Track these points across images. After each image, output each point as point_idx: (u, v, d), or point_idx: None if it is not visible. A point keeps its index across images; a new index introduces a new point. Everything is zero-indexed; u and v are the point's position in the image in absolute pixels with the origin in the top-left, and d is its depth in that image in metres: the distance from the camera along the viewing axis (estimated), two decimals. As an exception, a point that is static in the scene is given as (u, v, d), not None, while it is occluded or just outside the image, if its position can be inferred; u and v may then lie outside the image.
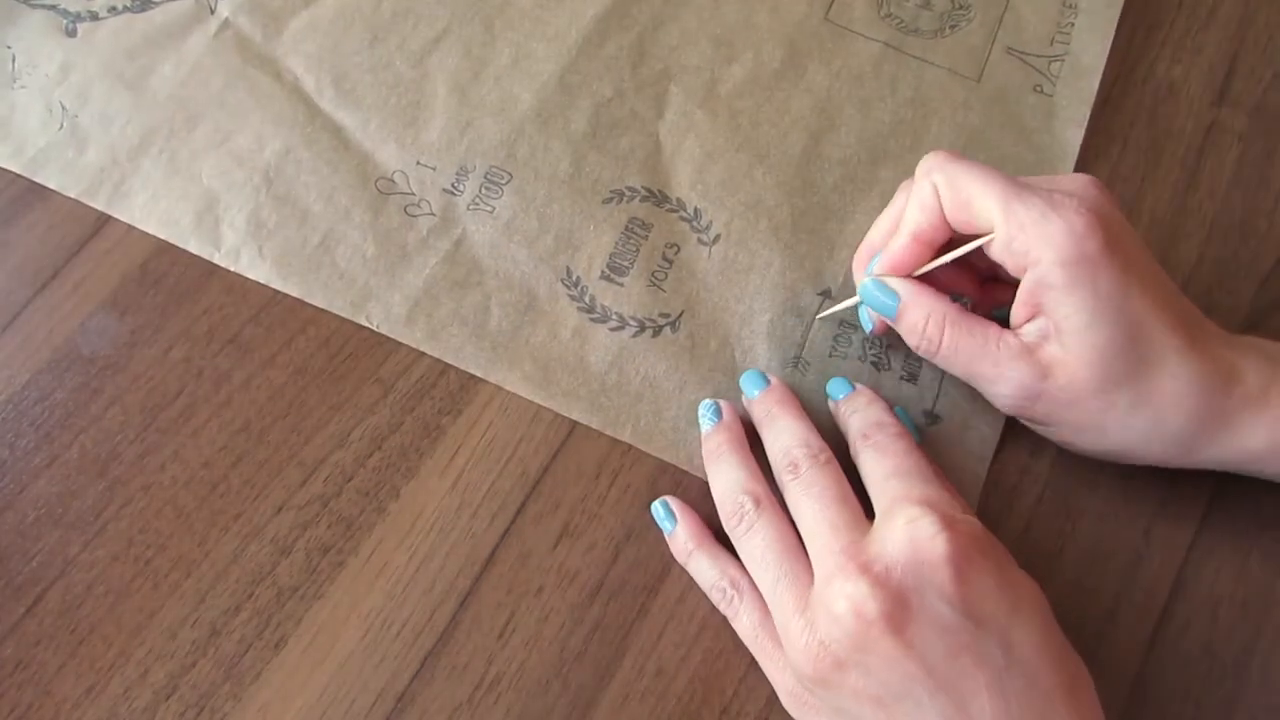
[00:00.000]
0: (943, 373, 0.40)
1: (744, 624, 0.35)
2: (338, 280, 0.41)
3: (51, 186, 0.43)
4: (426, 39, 0.47)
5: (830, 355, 0.41)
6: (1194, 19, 0.50)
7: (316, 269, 0.42)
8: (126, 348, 0.40)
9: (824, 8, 0.49)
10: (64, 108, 0.44)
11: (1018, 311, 0.35)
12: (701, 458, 0.38)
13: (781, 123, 0.46)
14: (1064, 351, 0.34)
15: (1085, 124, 0.46)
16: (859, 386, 0.39)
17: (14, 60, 0.45)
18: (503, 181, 0.44)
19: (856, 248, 0.43)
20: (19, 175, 0.43)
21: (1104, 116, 0.47)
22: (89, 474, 0.38)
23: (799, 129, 0.46)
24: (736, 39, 0.48)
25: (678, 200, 0.44)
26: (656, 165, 0.45)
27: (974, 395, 0.40)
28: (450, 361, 0.40)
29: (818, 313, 0.41)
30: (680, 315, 0.41)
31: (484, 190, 0.43)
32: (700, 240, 0.43)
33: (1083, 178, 0.35)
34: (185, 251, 0.42)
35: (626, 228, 0.43)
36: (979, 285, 0.39)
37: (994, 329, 0.35)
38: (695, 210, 0.43)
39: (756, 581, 0.34)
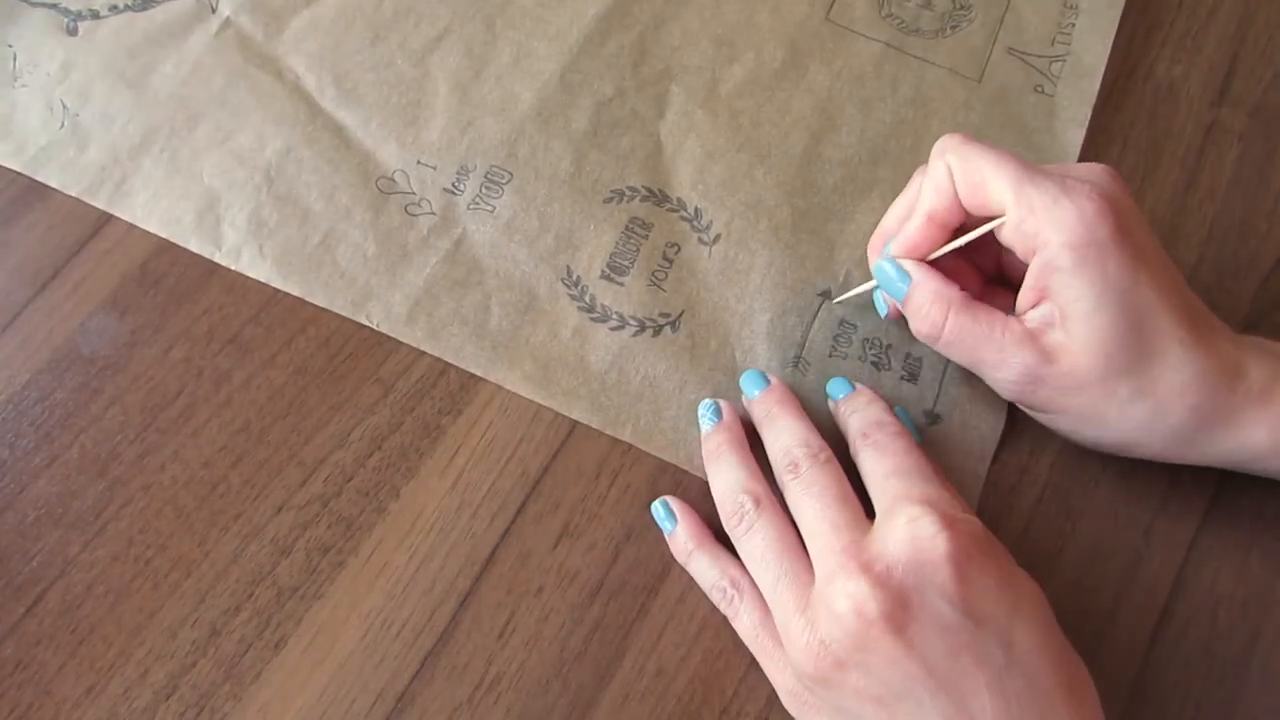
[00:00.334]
0: (943, 373, 0.40)
1: (744, 624, 0.35)
2: (338, 279, 0.41)
3: (52, 185, 0.43)
4: (428, 38, 0.47)
5: (830, 355, 0.41)
6: (1194, 19, 0.50)
7: (317, 268, 0.42)
8: (126, 348, 0.40)
9: (825, 8, 0.49)
10: (65, 106, 0.44)
11: (1024, 296, 0.35)
12: (701, 457, 0.38)
13: (782, 123, 0.46)
14: (1068, 337, 0.34)
15: (1086, 124, 0.46)
16: (859, 386, 0.39)
17: (15, 59, 0.45)
18: (503, 181, 0.44)
19: (857, 248, 0.43)
20: (19, 174, 0.43)
21: (1104, 116, 0.47)
22: (89, 474, 0.38)
23: (800, 129, 0.46)
24: (738, 39, 0.48)
25: (678, 200, 0.44)
26: (657, 165, 0.45)
27: (974, 395, 0.40)
28: (450, 361, 0.40)
29: (835, 298, 0.41)
30: (680, 315, 0.41)
31: (484, 189, 0.43)
32: (700, 240, 0.43)
33: (1098, 166, 0.35)
34: (185, 251, 0.42)
35: (627, 227, 0.43)
36: (983, 284, 0.39)
37: (999, 315, 0.35)
38: (696, 210, 0.43)
39: (757, 581, 0.34)
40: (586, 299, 0.41)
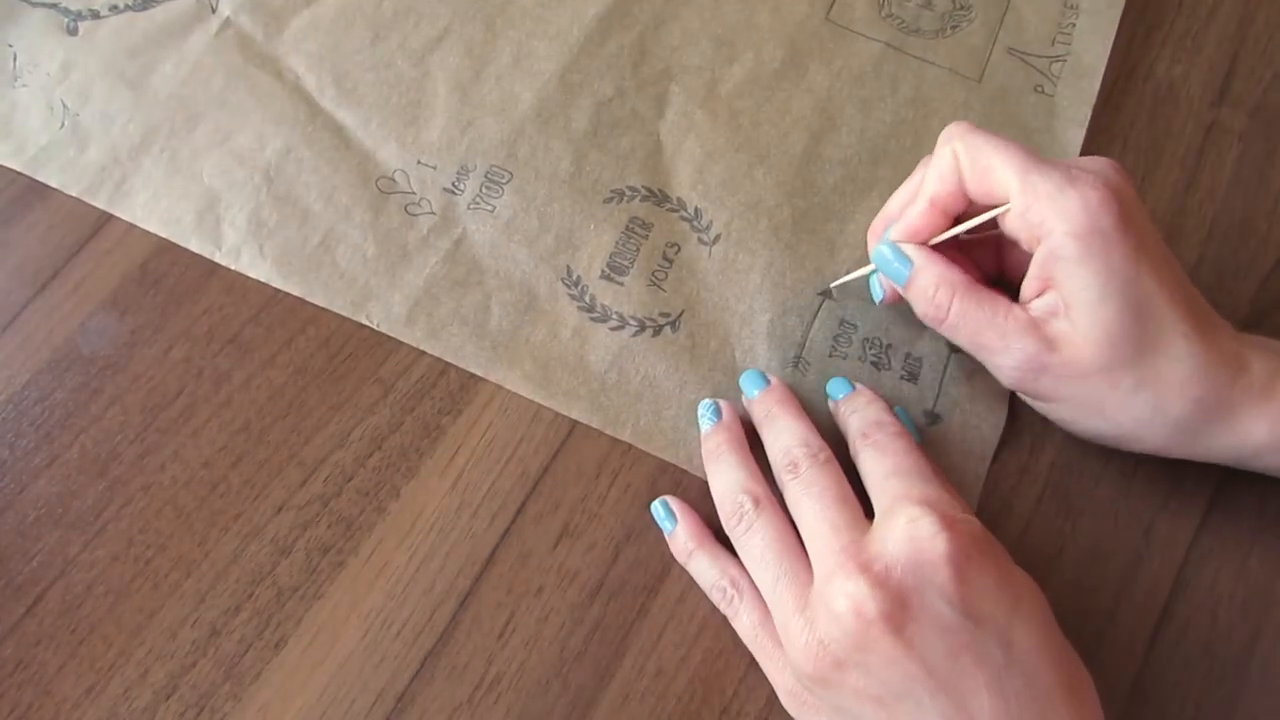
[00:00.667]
0: (943, 373, 0.40)
1: (744, 623, 0.35)
2: (338, 279, 0.41)
3: (52, 185, 0.43)
4: (428, 38, 0.47)
5: (830, 355, 0.41)
6: (1194, 19, 0.50)
7: (317, 268, 0.42)
8: (126, 348, 0.40)
9: (825, 8, 0.49)
10: (65, 106, 0.44)
11: (1028, 285, 0.35)
12: (701, 457, 0.38)
13: (782, 123, 0.46)
14: (1071, 326, 0.34)
15: (1086, 124, 0.46)
16: (858, 386, 0.39)
17: (15, 59, 0.45)
18: (503, 181, 0.44)
19: (857, 248, 0.43)
20: (20, 174, 0.43)
21: (1104, 116, 0.47)
22: (89, 474, 0.38)
23: (800, 129, 0.46)
24: (737, 39, 0.48)
25: (678, 200, 0.44)
26: (657, 165, 0.45)
27: (974, 395, 0.40)
28: (450, 361, 0.40)
29: (831, 286, 0.41)
30: (680, 315, 0.41)
31: (484, 189, 0.43)
32: (700, 240, 0.43)
33: (1103, 160, 0.35)
34: (185, 251, 0.42)
35: (627, 227, 0.43)
36: (985, 282, 0.39)
37: (1003, 301, 0.35)
38: (695, 210, 0.43)
39: (756, 581, 0.34)
40: (586, 299, 0.41)
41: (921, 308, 0.36)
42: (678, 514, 0.37)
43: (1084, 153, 0.46)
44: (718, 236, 0.43)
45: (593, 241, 0.43)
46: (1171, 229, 0.44)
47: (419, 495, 0.38)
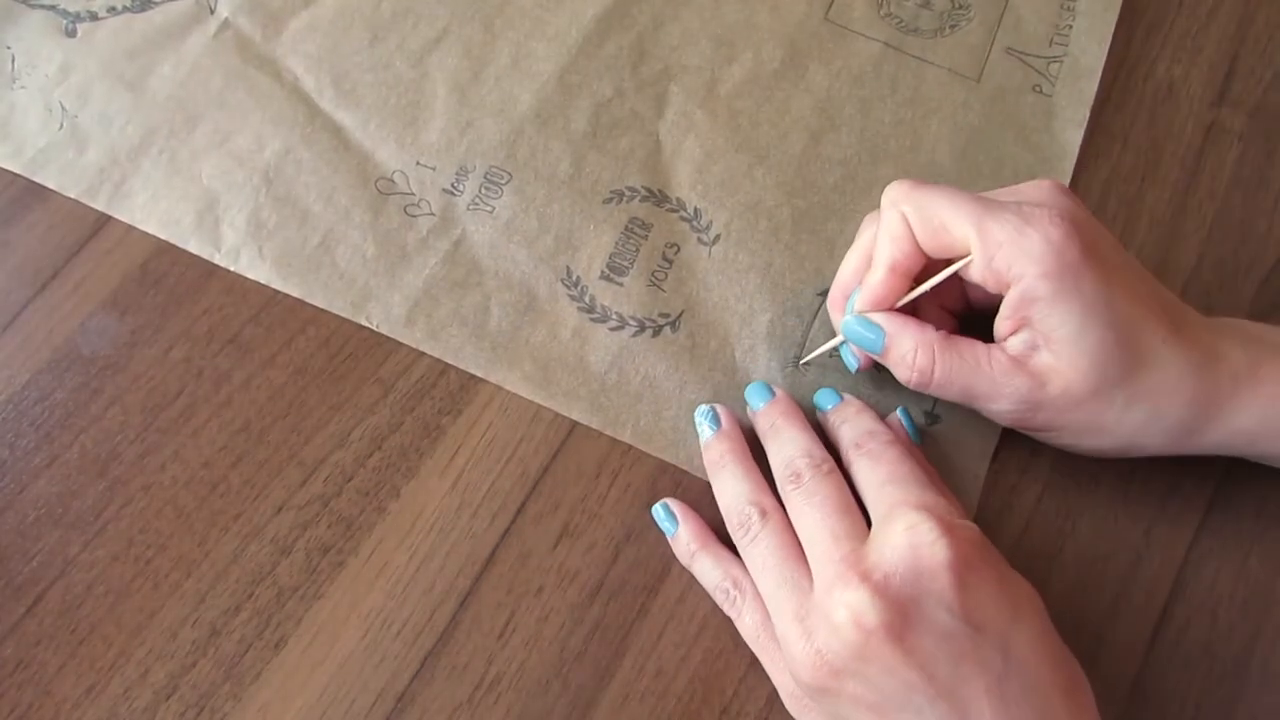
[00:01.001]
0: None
1: (747, 624, 0.35)
2: (338, 280, 0.41)
3: (51, 187, 0.43)
4: (426, 39, 0.47)
5: (831, 355, 0.41)
6: (1194, 19, 0.50)
7: (316, 269, 0.42)
8: (126, 348, 0.40)
9: (824, 7, 0.49)
10: (64, 108, 0.44)
11: (1002, 325, 0.35)
12: (701, 458, 0.38)
13: (781, 123, 0.46)
14: (1056, 360, 0.34)
15: (1085, 124, 0.46)
16: (847, 397, 0.39)
17: (14, 60, 0.45)
18: (502, 181, 0.44)
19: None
20: (19, 175, 0.43)
21: (1104, 116, 0.47)
22: (89, 474, 0.38)
23: (799, 129, 0.46)
24: (737, 39, 0.48)
25: (678, 200, 0.44)
26: (656, 165, 0.45)
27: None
28: (450, 361, 0.40)
29: (799, 359, 0.41)
30: (680, 315, 0.41)
31: (484, 190, 0.43)
32: (700, 240, 0.43)
33: (1045, 184, 0.35)
34: (185, 251, 0.42)
35: (626, 228, 0.43)
36: (955, 323, 0.39)
37: (981, 347, 0.35)
38: (695, 210, 0.43)
39: (759, 587, 0.34)
40: (586, 299, 0.41)
41: (904, 374, 0.36)
42: (679, 516, 0.37)
43: (1084, 152, 0.46)
44: (717, 237, 0.43)
45: (592, 242, 0.43)
46: (1171, 229, 0.44)
47: (419, 495, 0.38)
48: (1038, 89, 0.47)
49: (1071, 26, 0.49)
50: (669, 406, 0.40)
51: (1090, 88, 0.47)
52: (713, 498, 0.37)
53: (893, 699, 0.30)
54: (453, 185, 0.44)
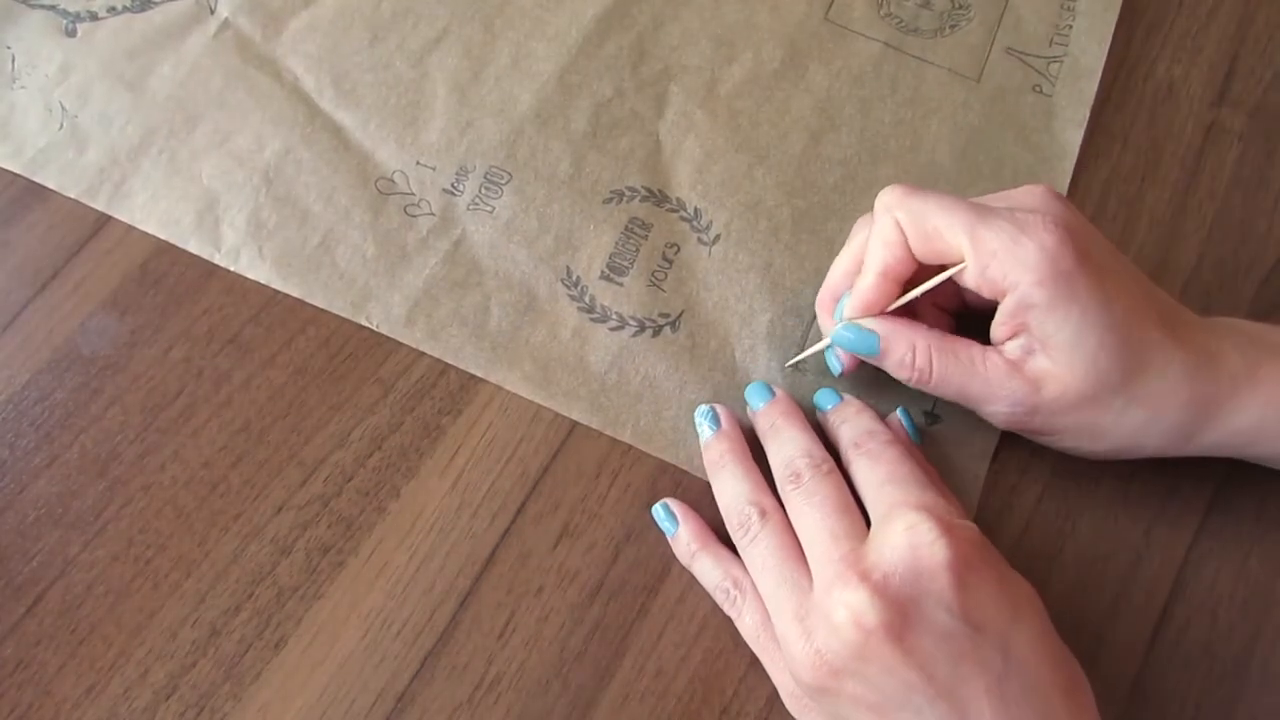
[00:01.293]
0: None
1: (747, 624, 0.35)
2: (338, 280, 0.41)
3: (51, 187, 0.43)
4: (426, 39, 0.47)
5: (788, 365, 0.41)
6: (1194, 19, 0.50)
7: (316, 269, 0.42)
8: (126, 348, 0.40)
9: (824, 7, 0.49)
10: (64, 108, 0.44)
11: (998, 331, 0.35)
12: (701, 458, 0.38)
13: (781, 123, 0.46)
14: (1053, 364, 0.34)
15: (1084, 125, 0.46)
16: (846, 397, 0.39)
17: (14, 60, 0.45)
18: (502, 181, 0.44)
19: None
20: (19, 175, 0.43)
21: (1104, 116, 0.47)
22: (89, 474, 0.38)
23: (799, 129, 0.46)
24: (737, 39, 0.48)
25: (678, 200, 0.44)
26: (656, 165, 0.45)
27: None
28: (450, 361, 0.40)
29: (787, 361, 0.41)
30: (680, 315, 0.41)
31: (484, 190, 0.43)
32: (700, 240, 0.43)
33: (1038, 189, 0.35)
34: (185, 251, 0.42)
35: (626, 228, 0.43)
36: (951, 323, 0.39)
37: (977, 348, 0.35)
38: (695, 210, 0.43)
39: (759, 587, 0.34)
40: (586, 299, 0.41)
41: (904, 375, 0.36)
42: (679, 516, 0.37)
43: (1084, 152, 0.46)
44: (717, 236, 0.43)
45: (592, 242, 0.43)
46: (1171, 229, 0.44)
47: (419, 495, 0.38)
48: (1038, 89, 0.47)
49: (1071, 26, 0.49)
50: (669, 406, 0.40)
51: (1090, 88, 0.47)
52: (713, 498, 0.37)
53: (892, 699, 0.30)
54: (453, 185, 0.44)
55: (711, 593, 0.36)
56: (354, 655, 0.35)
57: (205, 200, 0.43)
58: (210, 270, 0.42)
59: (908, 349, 0.35)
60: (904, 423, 0.39)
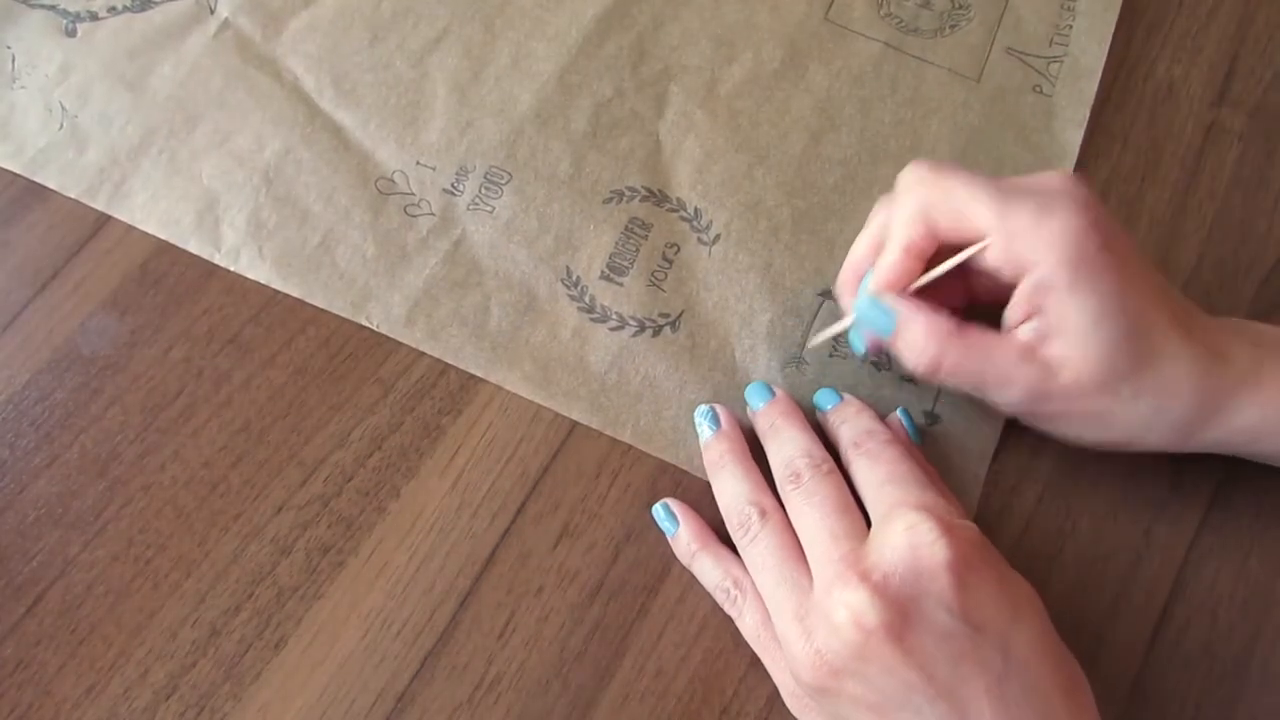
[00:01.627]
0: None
1: (747, 623, 0.35)
2: (338, 280, 0.41)
3: (51, 187, 0.43)
4: (426, 39, 0.47)
5: (830, 355, 0.41)
6: (1194, 19, 0.50)
7: (316, 269, 0.42)
8: (126, 348, 0.40)
9: (824, 7, 0.49)
10: (64, 108, 0.44)
11: (1012, 312, 0.35)
12: (701, 457, 0.38)
13: (781, 123, 0.46)
14: (1068, 349, 0.34)
15: (1084, 125, 0.46)
16: (846, 396, 0.39)
17: (14, 60, 0.45)
18: (502, 181, 0.44)
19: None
20: (19, 175, 0.43)
21: (1104, 116, 0.47)
22: (89, 474, 0.38)
23: (799, 129, 0.46)
24: (737, 39, 0.48)
25: (678, 200, 0.44)
26: (656, 165, 0.45)
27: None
28: (450, 361, 0.40)
29: (805, 343, 0.41)
30: (680, 315, 0.41)
31: (484, 190, 0.43)
32: (700, 240, 0.43)
33: (1063, 174, 0.35)
34: (185, 251, 0.42)
35: (626, 227, 0.43)
36: (962, 307, 0.39)
37: (991, 334, 0.35)
38: (695, 210, 0.43)
39: (758, 587, 0.34)
40: (586, 299, 0.41)
41: (913, 360, 0.35)
42: (679, 516, 0.37)
43: (1084, 152, 0.46)
44: (717, 237, 0.43)
45: (592, 242, 0.43)
46: (1171, 229, 0.44)
47: (419, 495, 0.38)
48: (1038, 89, 0.47)
49: (1072, 26, 0.49)
50: (669, 406, 0.40)
51: (1090, 87, 0.47)
52: (713, 498, 0.37)
53: (892, 699, 0.30)
54: (453, 185, 0.44)
55: (712, 592, 0.36)
56: (354, 655, 0.35)
57: (205, 200, 0.43)
58: (210, 270, 0.42)
59: (921, 333, 0.35)
60: (904, 423, 0.39)
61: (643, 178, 0.44)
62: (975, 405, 0.40)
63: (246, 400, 0.39)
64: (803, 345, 0.41)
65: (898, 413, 0.39)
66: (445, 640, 0.36)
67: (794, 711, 0.34)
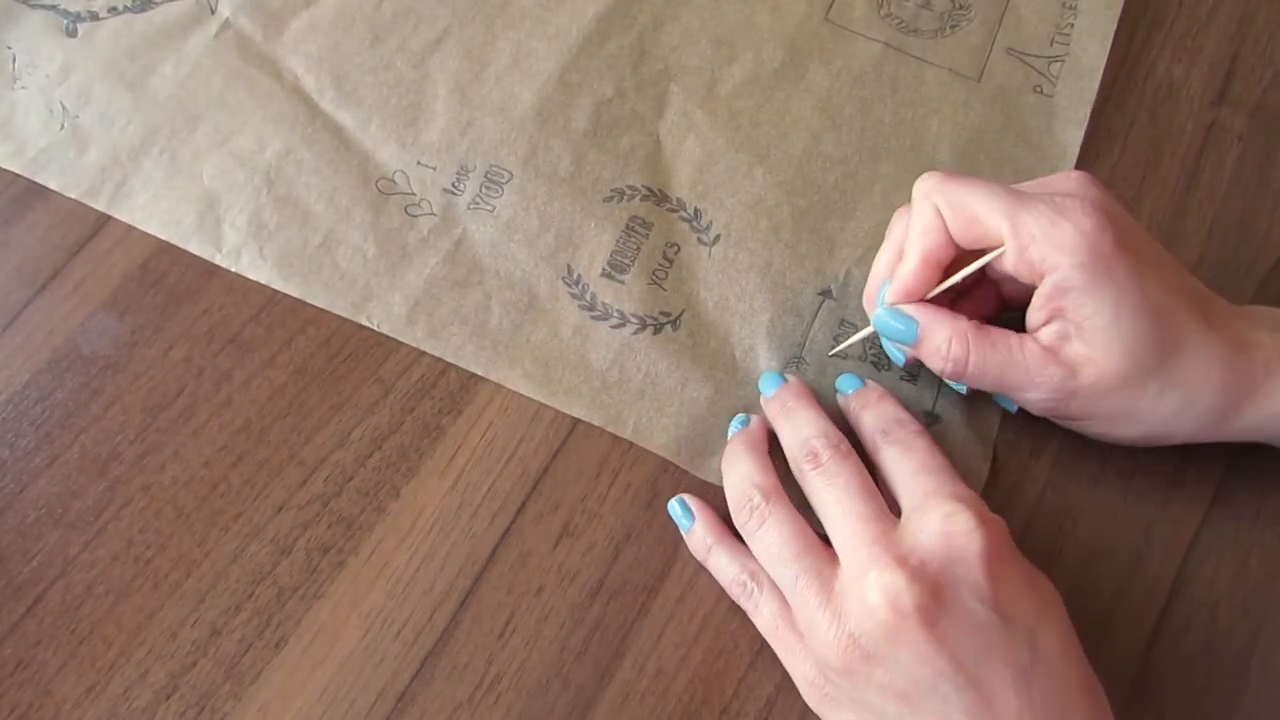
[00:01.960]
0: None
1: (763, 616, 0.35)
2: (338, 281, 0.41)
3: (52, 187, 0.43)
4: (427, 39, 0.47)
5: (830, 355, 0.41)
6: (1194, 19, 0.50)
7: (317, 269, 0.42)
8: (126, 348, 0.40)
9: (824, 8, 0.49)
10: (65, 108, 0.44)
11: (1034, 316, 0.35)
12: (702, 456, 0.39)
13: (782, 123, 0.46)
14: (1090, 349, 0.34)
15: (1085, 124, 0.46)
16: (868, 382, 0.39)
17: (14, 60, 0.45)
18: (503, 180, 0.44)
19: (857, 246, 0.43)
20: (19, 175, 0.43)
21: (1104, 116, 0.47)
22: (89, 474, 0.38)
23: (799, 129, 0.46)
24: (737, 39, 0.48)
25: (678, 200, 0.44)
26: (657, 164, 0.45)
27: (974, 394, 0.40)
28: (451, 360, 0.40)
29: (830, 353, 0.41)
30: (681, 314, 0.41)
31: (484, 189, 0.44)
32: (700, 240, 0.43)
33: (1077, 175, 0.35)
34: (185, 251, 0.42)
35: (627, 226, 0.43)
36: (989, 312, 0.39)
37: (1014, 337, 0.35)
38: (695, 210, 0.43)
39: (775, 578, 0.34)
40: (587, 297, 0.41)
41: (938, 365, 0.36)
42: (695, 511, 0.37)
43: (1084, 152, 0.46)
44: (717, 237, 0.43)
45: (593, 240, 0.43)
46: (1171, 229, 0.44)
47: (419, 495, 0.38)
48: (1038, 89, 0.47)
49: (1073, 25, 0.49)
50: (670, 404, 0.40)
51: (1091, 87, 0.47)
52: (714, 498, 0.37)
53: (920, 685, 0.30)
54: (453, 185, 0.44)
55: (727, 587, 0.36)
56: (354, 655, 0.35)
57: (206, 200, 0.43)
58: (210, 270, 0.42)
59: (945, 337, 0.35)
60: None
61: (643, 177, 0.44)
62: (976, 405, 0.40)
63: (247, 400, 0.39)
64: (802, 345, 0.41)
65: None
66: (445, 640, 0.36)
67: (814, 705, 0.34)
